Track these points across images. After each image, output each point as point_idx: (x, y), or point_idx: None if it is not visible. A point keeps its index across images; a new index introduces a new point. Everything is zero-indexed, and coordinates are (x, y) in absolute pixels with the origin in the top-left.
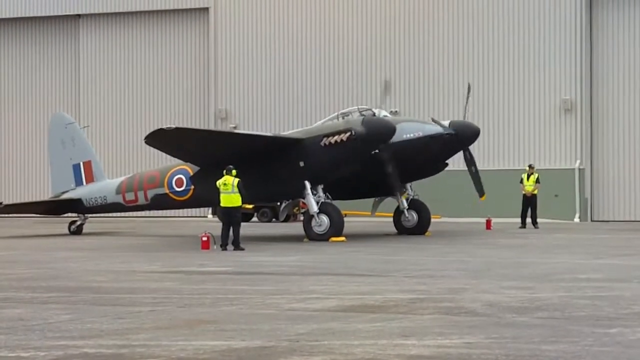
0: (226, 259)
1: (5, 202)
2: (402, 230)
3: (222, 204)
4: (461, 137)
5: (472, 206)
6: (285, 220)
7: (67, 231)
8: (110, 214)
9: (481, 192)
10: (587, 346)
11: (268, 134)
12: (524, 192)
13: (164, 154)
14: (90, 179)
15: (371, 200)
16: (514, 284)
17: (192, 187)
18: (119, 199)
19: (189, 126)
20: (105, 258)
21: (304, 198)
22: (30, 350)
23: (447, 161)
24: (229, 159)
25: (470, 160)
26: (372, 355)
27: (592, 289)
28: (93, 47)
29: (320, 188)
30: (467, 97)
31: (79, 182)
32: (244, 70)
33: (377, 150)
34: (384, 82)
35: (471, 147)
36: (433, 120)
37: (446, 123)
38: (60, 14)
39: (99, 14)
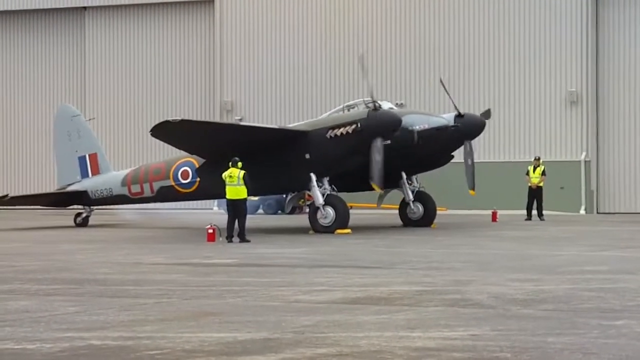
0: (232, 251)
1: (11, 194)
2: (408, 222)
3: (227, 196)
4: (467, 130)
5: (478, 198)
6: (291, 213)
7: (72, 223)
8: (115, 206)
9: (472, 186)
10: (592, 338)
11: (274, 126)
12: (529, 184)
13: (169, 146)
14: (95, 171)
15: (377, 192)
16: (520, 276)
17: (198, 179)
18: (124, 191)
19: (195, 118)
20: (111, 250)
21: (309, 190)
22: (36, 342)
23: (452, 153)
24: (235, 151)
25: (469, 153)
26: (378, 348)
27: (598, 281)
28: (99, 40)
29: (326, 180)
30: (446, 91)
31: (84, 174)
32: (249, 62)
33: (388, 141)
34: (359, 57)
35: (477, 139)
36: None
37: (451, 115)
38: (66, 6)
39: (105, 6)
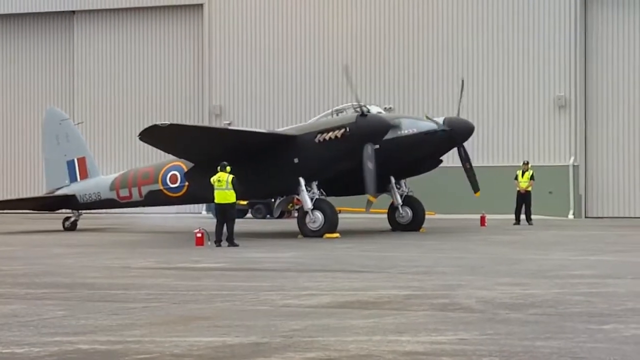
0: (220, 255)
1: None
2: (397, 226)
3: (216, 201)
4: (455, 134)
5: (467, 202)
6: (280, 217)
7: (61, 227)
8: (104, 210)
9: (476, 188)
10: (581, 342)
11: (262, 130)
12: (518, 189)
13: (158, 150)
14: (84, 175)
15: (365, 196)
16: (508, 280)
17: (187, 183)
18: (113, 195)
19: (183, 122)
20: (100, 254)
21: (298, 194)
22: (24, 347)
23: (441, 158)
24: (223, 155)
25: (465, 157)
26: (367, 352)
27: (586, 285)
28: (87, 44)
29: (314, 184)
30: (461, 92)
31: (73, 179)
32: (238, 66)
33: (377, 146)
34: (344, 68)
35: (466, 144)
36: (427, 117)
37: (440, 120)
38: (54, 10)
39: (93, 10)
